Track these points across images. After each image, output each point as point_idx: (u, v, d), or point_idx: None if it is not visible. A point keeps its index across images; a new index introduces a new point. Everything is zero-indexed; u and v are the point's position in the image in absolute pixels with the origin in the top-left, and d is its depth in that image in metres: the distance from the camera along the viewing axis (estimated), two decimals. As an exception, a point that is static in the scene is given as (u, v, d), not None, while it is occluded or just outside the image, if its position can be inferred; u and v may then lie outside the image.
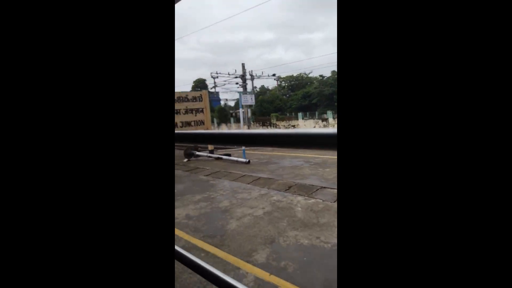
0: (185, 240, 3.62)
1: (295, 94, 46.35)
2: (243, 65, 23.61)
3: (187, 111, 9.91)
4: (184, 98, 9.87)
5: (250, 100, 9.38)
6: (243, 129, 9.96)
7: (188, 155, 10.16)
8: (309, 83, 48.07)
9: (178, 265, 1.53)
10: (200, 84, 45.39)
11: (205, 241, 3.56)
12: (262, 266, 2.87)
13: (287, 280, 2.61)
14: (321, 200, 4.69)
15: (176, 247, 0.76)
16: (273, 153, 10.12)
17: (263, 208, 4.58)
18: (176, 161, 9.77)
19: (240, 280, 2.66)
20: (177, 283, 2.66)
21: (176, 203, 5.09)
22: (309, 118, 25.49)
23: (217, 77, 27.29)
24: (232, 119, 30.16)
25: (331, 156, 8.05)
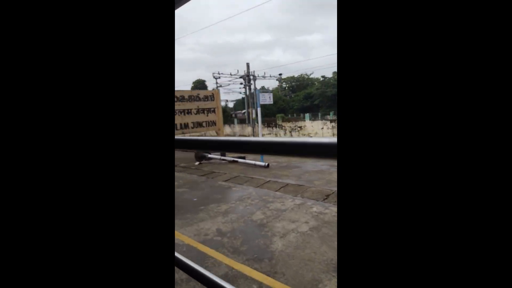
0: (225, 264, 2.97)
1: (297, 95, 46.00)
2: (247, 64, 22.96)
3: (198, 111, 9.25)
4: (196, 97, 9.22)
5: (268, 98, 8.75)
6: (259, 131, 9.39)
7: (200, 157, 9.50)
8: (310, 84, 47.76)
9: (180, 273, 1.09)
10: (199, 85, 44.76)
11: (252, 266, 2.91)
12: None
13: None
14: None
15: (176, 254, 0.72)
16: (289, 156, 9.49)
17: (306, 222, 3.94)
18: (187, 164, 9.11)
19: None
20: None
21: (201, 214, 4.45)
22: (312, 119, 24.92)
23: (219, 77, 26.71)
24: (235, 120, 29.54)
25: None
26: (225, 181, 6.57)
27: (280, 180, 6.22)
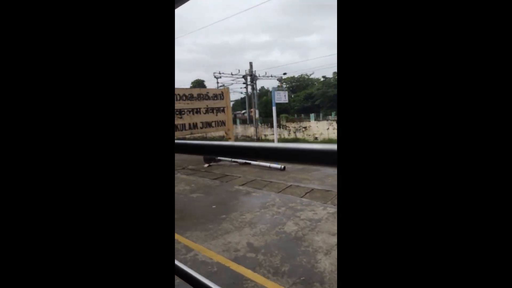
0: (270, 290, 2.49)
1: (297, 96, 45.70)
2: (250, 63, 22.46)
3: (207, 110, 8.76)
4: (205, 95, 8.73)
5: (283, 97, 8.27)
6: (275, 133, 8.91)
7: (209, 159, 9.00)
8: (310, 85, 47.47)
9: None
10: (198, 86, 44.31)
11: (303, 293, 2.43)
12: None
13: None
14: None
15: (176, 262, 0.70)
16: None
17: (349, 234, 3.46)
18: (195, 167, 8.61)
19: None
20: None
21: (224, 225, 3.96)
22: (317, 120, 24.46)
23: (220, 77, 26.21)
24: (238, 121, 29.03)
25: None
26: (242, 185, 6.08)
27: (302, 185, 5.74)
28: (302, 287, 2.51)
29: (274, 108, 7.97)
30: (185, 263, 1.72)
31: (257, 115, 21.66)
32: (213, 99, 8.93)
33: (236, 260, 3.04)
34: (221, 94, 9.16)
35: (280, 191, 5.42)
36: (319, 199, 4.82)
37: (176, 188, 6.11)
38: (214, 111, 8.95)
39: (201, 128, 8.59)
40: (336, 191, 5.10)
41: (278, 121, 24.11)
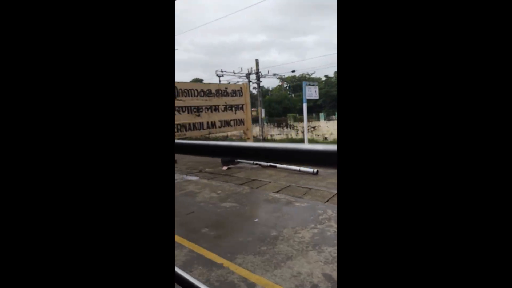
0: None
1: (299, 95, 45.27)
2: (256, 61, 21.69)
3: (226, 108, 7.97)
4: (224, 91, 7.94)
5: (314, 93, 7.54)
6: (305, 133, 8.16)
7: (227, 162, 8.21)
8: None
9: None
10: (198, 84, 43.49)
11: None
12: None
13: None
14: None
15: (177, 269, 0.67)
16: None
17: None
18: (213, 170, 7.82)
19: None
20: None
21: (281, 246, 3.20)
22: (327, 119, 23.81)
23: (222, 75, 25.47)
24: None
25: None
26: (277, 192, 5.32)
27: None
28: None
29: (305, 105, 7.22)
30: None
31: (262, 114, 20.93)
32: (232, 96, 8.14)
33: (321, 302, 2.28)
34: (240, 90, 8.37)
35: (327, 201, 4.67)
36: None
37: (201, 196, 5.33)
38: (233, 108, 8.17)
39: (219, 127, 7.80)
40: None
41: (284, 121, 23.39)
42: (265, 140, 18.91)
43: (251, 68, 23.38)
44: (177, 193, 5.63)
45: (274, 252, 3.10)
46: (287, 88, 49.21)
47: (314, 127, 18.98)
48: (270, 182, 6.09)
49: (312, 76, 48.54)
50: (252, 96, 24.53)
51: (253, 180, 6.36)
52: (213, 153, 0.50)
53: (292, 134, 19.55)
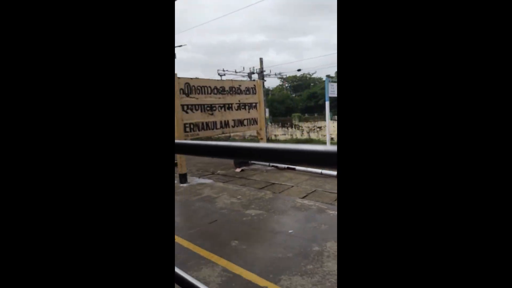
0: None
1: (300, 95, 44.98)
2: (261, 59, 21.25)
3: (239, 106, 7.52)
4: (237, 89, 7.48)
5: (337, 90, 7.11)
6: (327, 132, 7.70)
7: (239, 163, 7.76)
8: (312, 84, 46.99)
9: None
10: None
11: None
12: None
13: None
14: None
15: (176, 269, 0.66)
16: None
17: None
18: (226, 172, 7.36)
19: None
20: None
21: (329, 264, 2.75)
22: (334, 119, 23.42)
23: (224, 74, 25.07)
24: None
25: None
26: (303, 198, 4.87)
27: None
28: None
29: (327, 103, 6.78)
30: None
31: (266, 114, 20.50)
32: (245, 93, 7.69)
33: None
34: (253, 87, 7.92)
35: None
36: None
37: (221, 201, 4.87)
38: (246, 107, 7.72)
39: (232, 126, 7.35)
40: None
41: (289, 121, 22.92)
42: (269, 140, 18.47)
43: (253, 67, 22.97)
44: (193, 197, 5.17)
45: (324, 272, 2.66)
46: (288, 88, 48.87)
47: (320, 127, 18.56)
48: (292, 186, 5.64)
49: (313, 76, 48.32)
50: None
51: (273, 183, 5.91)
52: (213, 153, 0.50)
53: (297, 135, 19.13)
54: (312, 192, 5.18)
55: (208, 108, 6.72)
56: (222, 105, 7.05)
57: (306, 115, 33.70)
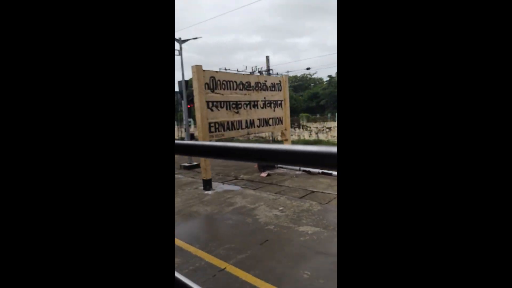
0: None
1: (301, 95, 44.40)
2: (267, 57, 20.52)
3: (265, 104, 6.78)
4: (263, 84, 6.74)
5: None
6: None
7: (264, 167, 7.02)
8: (313, 84, 46.52)
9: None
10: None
11: None
12: None
13: None
14: None
15: (176, 274, 0.64)
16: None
17: None
18: (250, 176, 6.61)
19: None
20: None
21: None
22: (331, 120, 22.73)
23: (227, 73, 24.32)
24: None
25: None
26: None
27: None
28: None
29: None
30: None
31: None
32: (271, 90, 6.96)
33: None
34: (279, 83, 7.19)
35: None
36: None
37: (261, 214, 4.11)
38: (272, 105, 6.98)
39: (258, 126, 6.60)
40: None
41: (296, 121, 22.23)
42: (274, 141, 17.73)
43: (255, 66, 22.21)
44: (226, 209, 4.41)
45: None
46: (289, 88, 48.39)
47: (329, 128, 17.88)
48: (334, 195, 4.91)
49: (313, 76, 47.84)
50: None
51: (313, 191, 5.18)
52: (213, 154, 0.50)
53: (305, 135, 18.43)
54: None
55: (233, 106, 5.97)
56: (247, 103, 6.31)
57: (317, 116, 33.05)
